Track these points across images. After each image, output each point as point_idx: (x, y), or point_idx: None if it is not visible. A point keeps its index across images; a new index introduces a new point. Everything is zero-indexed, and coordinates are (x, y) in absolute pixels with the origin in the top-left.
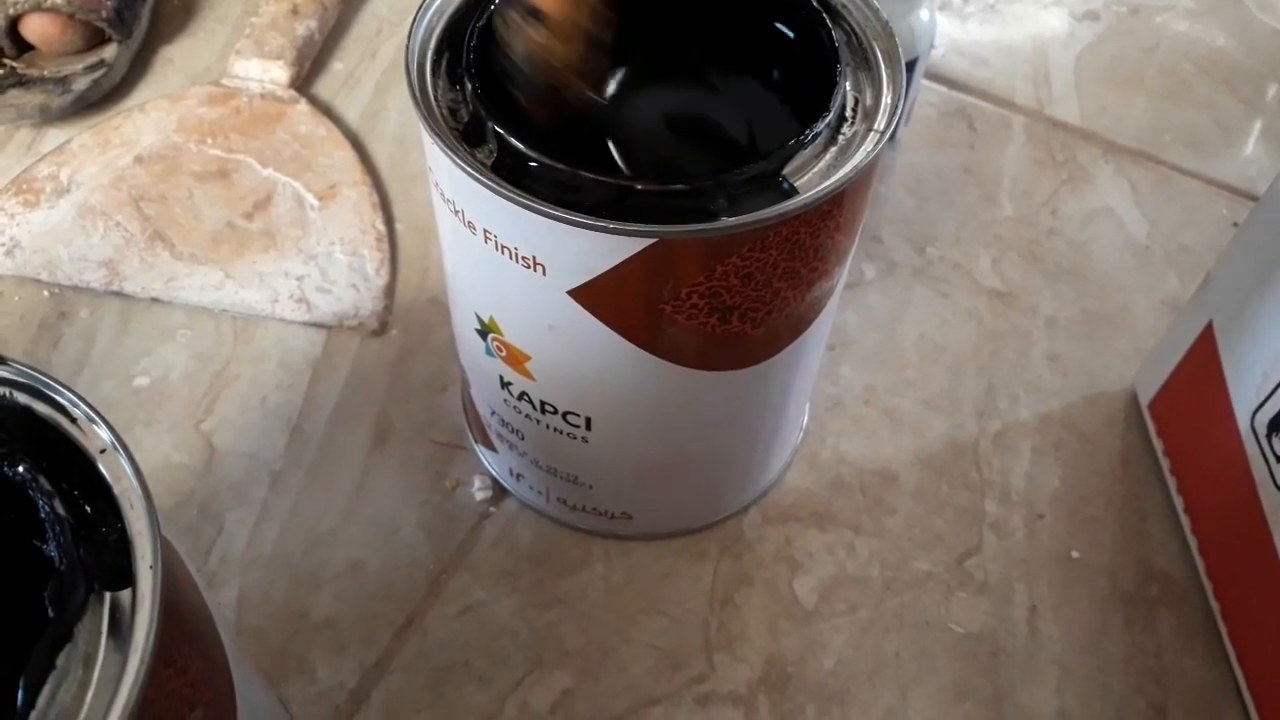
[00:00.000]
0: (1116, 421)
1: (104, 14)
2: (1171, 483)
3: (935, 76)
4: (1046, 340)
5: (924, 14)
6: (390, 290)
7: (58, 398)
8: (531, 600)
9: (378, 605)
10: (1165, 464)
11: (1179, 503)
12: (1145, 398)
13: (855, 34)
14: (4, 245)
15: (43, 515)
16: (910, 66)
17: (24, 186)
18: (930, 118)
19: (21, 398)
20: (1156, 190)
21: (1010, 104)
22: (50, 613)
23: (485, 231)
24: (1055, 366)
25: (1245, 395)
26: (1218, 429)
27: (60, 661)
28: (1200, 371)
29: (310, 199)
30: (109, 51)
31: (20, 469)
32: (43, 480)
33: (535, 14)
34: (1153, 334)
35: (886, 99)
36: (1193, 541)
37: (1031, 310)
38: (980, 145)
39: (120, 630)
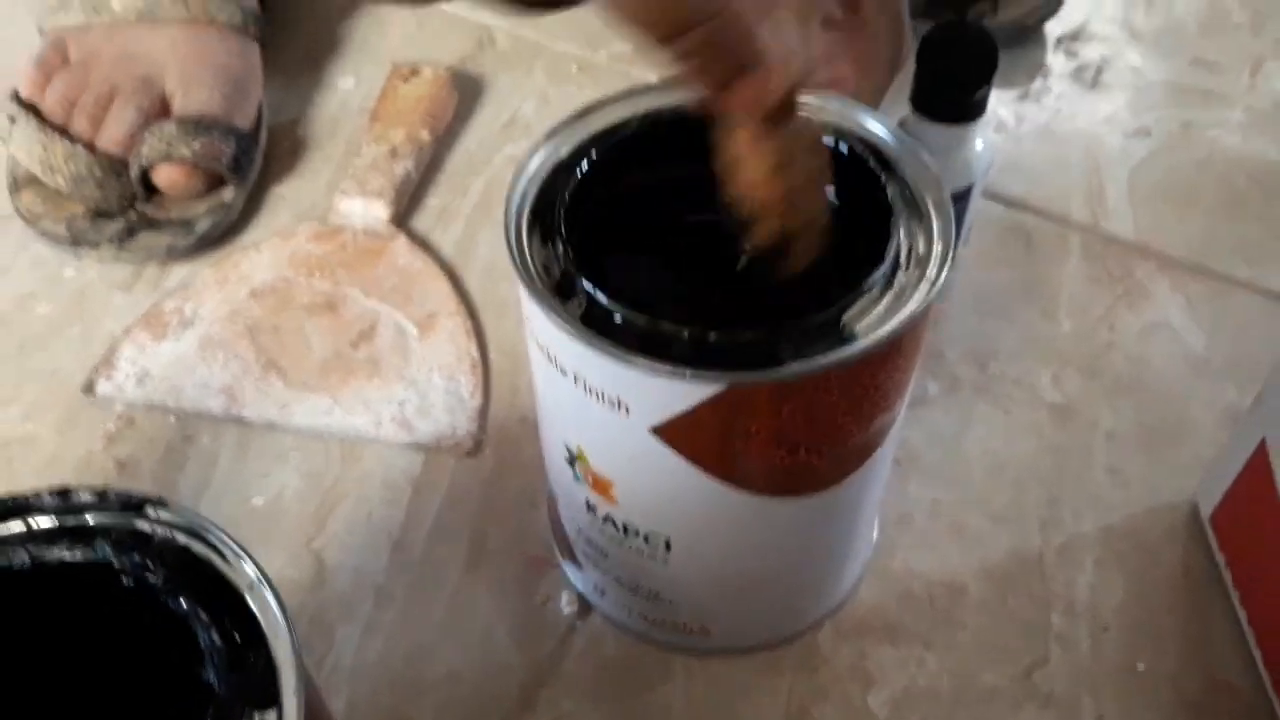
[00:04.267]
0: (1178, 533)
1: (225, 161)
2: (1235, 595)
3: (992, 195)
4: (1107, 454)
5: (979, 144)
6: (484, 412)
7: (211, 538)
8: (617, 713)
9: (474, 715)
10: (1228, 576)
11: (1243, 615)
12: (1206, 510)
13: (908, 185)
14: (136, 375)
15: (203, 645)
16: (966, 193)
17: (153, 320)
18: (989, 235)
19: (180, 538)
20: (1212, 303)
21: (1066, 220)
22: None
23: (575, 374)
24: (1116, 479)
25: None
26: (1276, 543)
27: None
28: (1257, 486)
29: (410, 328)
30: (228, 194)
31: (182, 602)
32: (203, 613)
33: None
34: (1212, 445)
35: (938, 248)
36: (1258, 654)
37: (1092, 424)
38: (1038, 262)
39: None
